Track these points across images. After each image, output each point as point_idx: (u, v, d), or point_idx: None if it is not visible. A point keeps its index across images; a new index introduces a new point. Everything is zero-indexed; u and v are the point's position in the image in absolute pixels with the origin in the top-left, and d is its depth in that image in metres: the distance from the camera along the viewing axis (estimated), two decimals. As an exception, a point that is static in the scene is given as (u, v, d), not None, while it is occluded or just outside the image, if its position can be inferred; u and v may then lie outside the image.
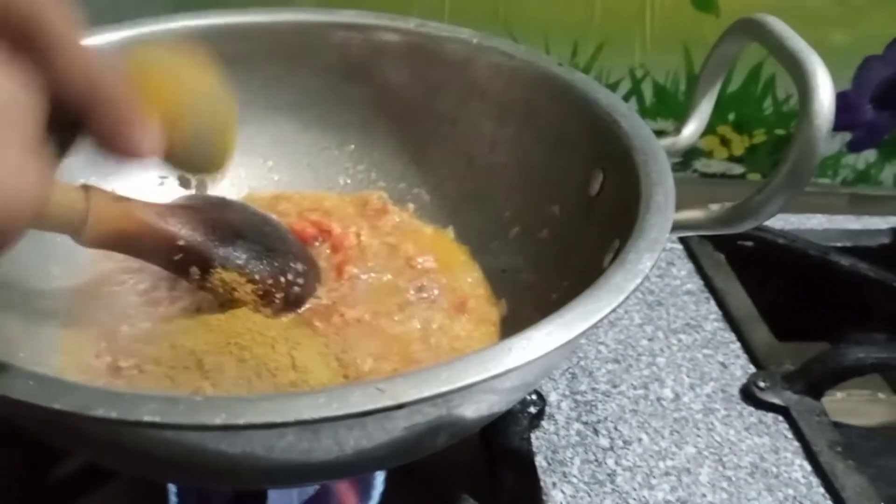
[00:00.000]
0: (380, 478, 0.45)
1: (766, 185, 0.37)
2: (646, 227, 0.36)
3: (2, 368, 0.26)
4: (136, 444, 0.29)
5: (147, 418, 0.24)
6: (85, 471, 0.44)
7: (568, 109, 0.50)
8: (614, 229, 0.40)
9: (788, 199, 0.37)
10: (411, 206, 0.58)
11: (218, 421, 0.24)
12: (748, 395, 0.53)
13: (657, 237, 0.35)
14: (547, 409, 0.50)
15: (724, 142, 0.79)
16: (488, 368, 0.28)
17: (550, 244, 0.49)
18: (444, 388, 0.27)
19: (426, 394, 0.26)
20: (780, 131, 0.79)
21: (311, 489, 0.45)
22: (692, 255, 0.66)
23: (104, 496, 0.43)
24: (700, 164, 0.80)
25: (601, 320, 0.31)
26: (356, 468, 0.37)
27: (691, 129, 0.47)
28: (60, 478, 0.43)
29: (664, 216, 0.37)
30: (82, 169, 0.49)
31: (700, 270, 0.65)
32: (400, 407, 0.26)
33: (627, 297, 0.32)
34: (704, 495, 0.46)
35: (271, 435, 0.27)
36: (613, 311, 0.31)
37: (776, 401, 0.52)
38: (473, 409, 0.33)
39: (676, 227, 0.37)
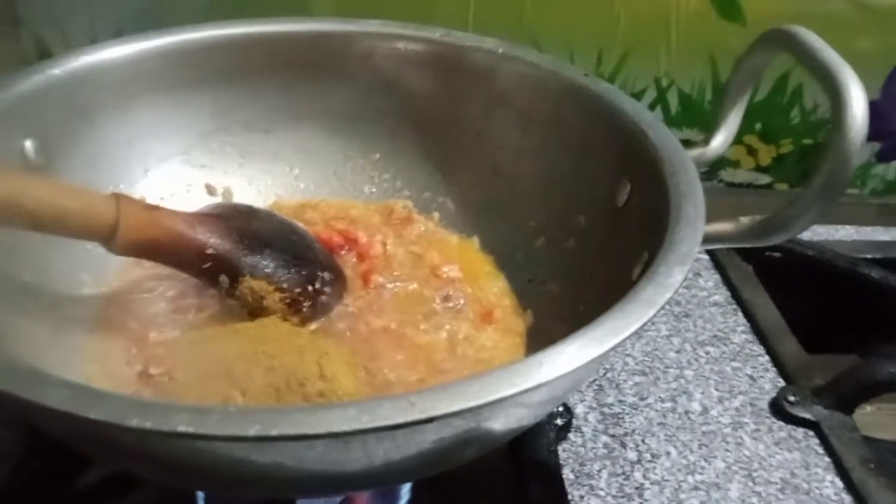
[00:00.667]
0: (406, 488, 0.45)
1: (798, 198, 0.37)
2: (676, 239, 0.36)
3: (35, 376, 0.27)
4: (167, 454, 0.29)
5: (181, 428, 0.24)
6: (110, 479, 0.44)
7: (594, 119, 0.49)
8: (643, 241, 0.40)
9: (821, 213, 0.37)
10: (436, 214, 0.58)
11: (251, 432, 0.24)
12: (778, 409, 0.52)
13: (687, 250, 0.35)
14: (574, 421, 0.50)
15: (751, 151, 0.78)
16: (518, 383, 0.27)
17: (576, 255, 0.49)
18: (474, 403, 0.26)
19: (457, 407, 0.26)
20: (807, 141, 0.78)
21: (337, 498, 0.45)
22: (719, 266, 0.66)
23: (131, 504, 0.44)
24: (726, 174, 0.80)
25: (632, 335, 0.30)
26: (384, 479, 0.36)
27: (720, 141, 0.46)
28: (85, 486, 0.43)
29: (694, 228, 0.36)
30: (109, 176, 0.51)
31: (727, 281, 0.64)
32: (430, 420, 0.26)
33: (658, 311, 0.31)
34: (733, 511, 0.45)
35: (302, 446, 0.27)
36: (644, 325, 0.31)
37: (806, 415, 0.51)
38: (502, 423, 0.33)
39: (706, 239, 0.37)
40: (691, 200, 0.38)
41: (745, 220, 0.39)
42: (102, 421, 0.25)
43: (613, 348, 0.30)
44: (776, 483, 0.47)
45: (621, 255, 0.42)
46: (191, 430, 0.24)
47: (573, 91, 0.51)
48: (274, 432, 0.25)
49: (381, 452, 0.30)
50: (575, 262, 0.48)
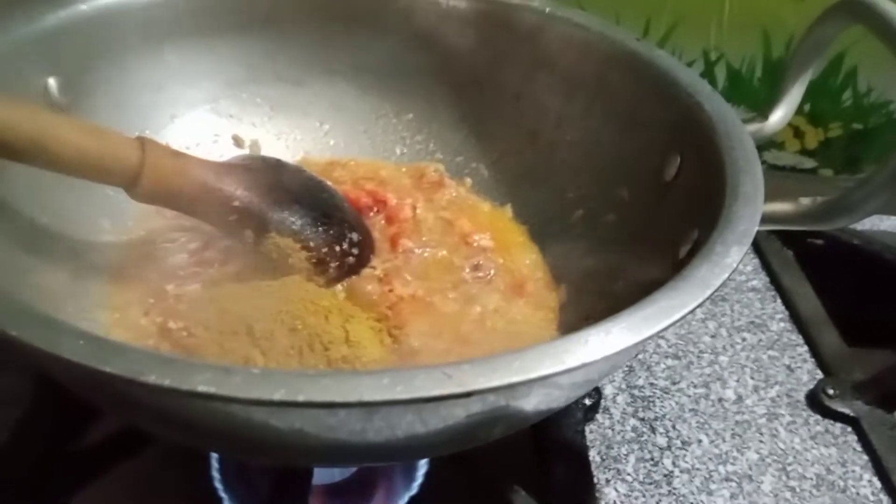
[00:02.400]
0: (423, 462, 0.44)
1: (867, 181, 0.34)
2: (733, 217, 0.33)
3: (50, 325, 0.25)
4: (184, 413, 0.27)
5: (202, 388, 0.23)
6: (120, 434, 0.43)
7: (645, 88, 0.47)
8: (692, 219, 0.38)
9: (890, 199, 0.34)
10: (469, 180, 0.55)
11: (277, 397, 0.23)
12: (815, 402, 0.50)
13: (746, 229, 0.33)
14: (602, 402, 0.48)
15: (798, 133, 0.75)
16: (563, 360, 0.25)
17: (617, 230, 0.46)
18: (515, 379, 0.25)
19: (496, 383, 0.24)
20: (857, 125, 0.75)
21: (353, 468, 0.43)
22: (759, 251, 0.63)
23: (140, 463, 0.42)
24: (770, 156, 0.77)
25: (685, 317, 0.28)
26: (405, 454, 0.35)
27: (778, 116, 0.44)
28: (93, 441, 0.42)
29: (754, 207, 0.34)
30: (135, 121, 0.49)
31: (767, 267, 0.62)
32: (468, 395, 0.24)
33: (714, 293, 0.29)
34: (766, 505, 0.43)
35: (325, 413, 0.26)
36: (699, 306, 0.29)
37: (845, 410, 0.49)
38: (535, 403, 0.31)
39: (763, 219, 0.34)
40: (750, 177, 0.36)
41: (805, 202, 0.37)
42: (119, 375, 0.23)
43: (665, 329, 0.28)
44: (811, 479, 0.45)
45: (667, 231, 0.40)
46: (212, 390, 0.23)
47: (623, 56, 0.48)
48: (300, 398, 0.23)
49: (405, 425, 0.28)
50: (615, 238, 0.46)
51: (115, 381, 0.23)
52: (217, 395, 0.23)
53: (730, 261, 0.31)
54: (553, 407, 0.35)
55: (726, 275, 0.30)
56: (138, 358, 0.24)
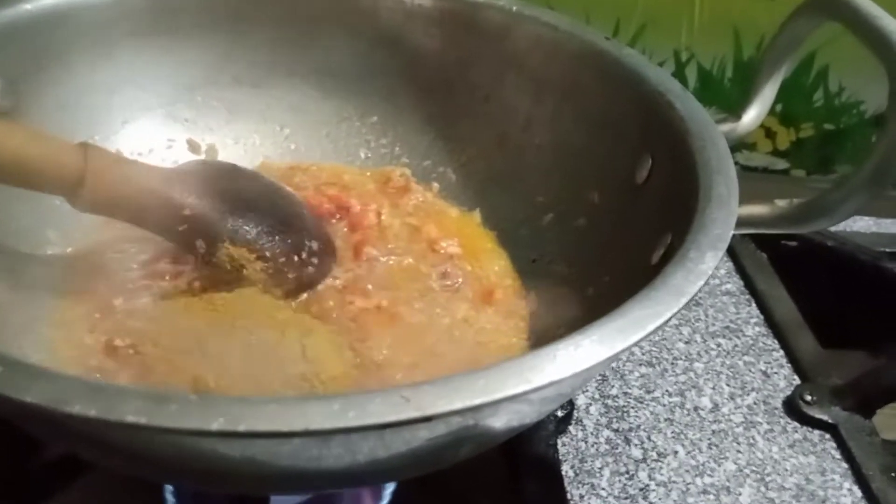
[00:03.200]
0: (389, 485, 0.42)
1: (845, 182, 0.33)
2: (707, 221, 0.32)
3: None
4: (123, 443, 0.25)
5: (131, 419, 0.21)
6: (71, 459, 0.40)
7: (614, 88, 0.45)
8: (665, 222, 0.36)
9: (868, 200, 0.33)
10: (436, 185, 0.54)
11: (215, 427, 0.21)
12: (793, 408, 0.49)
13: (721, 233, 0.31)
14: (575, 413, 0.46)
15: (770, 134, 0.74)
16: (530, 379, 0.24)
17: (588, 234, 0.45)
18: (478, 400, 0.23)
19: (458, 405, 0.22)
20: (829, 126, 0.74)
21: (314, 491, 0.41)
22: (732, 254, 0.62)
23: (91, 487, 0.40)
24: (742, 157, 0.76)
25: (660, 328, 0.27)
26: (367, 479, 0.33)
27: (751, 116, 0.42)
28: (43, 464, 0.39)
29: (728, 210, 0.33)
30: (84, 126, 0.47)
31: (740, 270, 0.61)
32: (427, 420, 0.22)
33: (689, 301, 0.28)
34: (745, 518, 0.42)
35: (275, 442, 0.24)
36: (674, 316, 0.27)
37: (824, 417, 0.48)
38: (504, 421, 0.29)
39: (739, 223, 0.33)
40: (723, 179, 0.35)
41: (781, 204, 0.35)
42: (40, 405, 0.21)
43: (639, 342, 0.26)
44: (790, 489, 0.44)
45: (639, 236, 0.39)
46: (142, 420, 0.21)
47: (592, 56, 0.47)
48: (241, 427, 0.21)
49: (366, 449, 0.26)
50: (586, 242, 0.45)
51: (37, 411, 0.21)
52: (148, 425, 0.21)
53: (705, 267, 0.29)
54: (525, 423, 0.33)
55: (701, 282, 0.29)
56: (62, 385, 0.21)
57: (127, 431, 0.22)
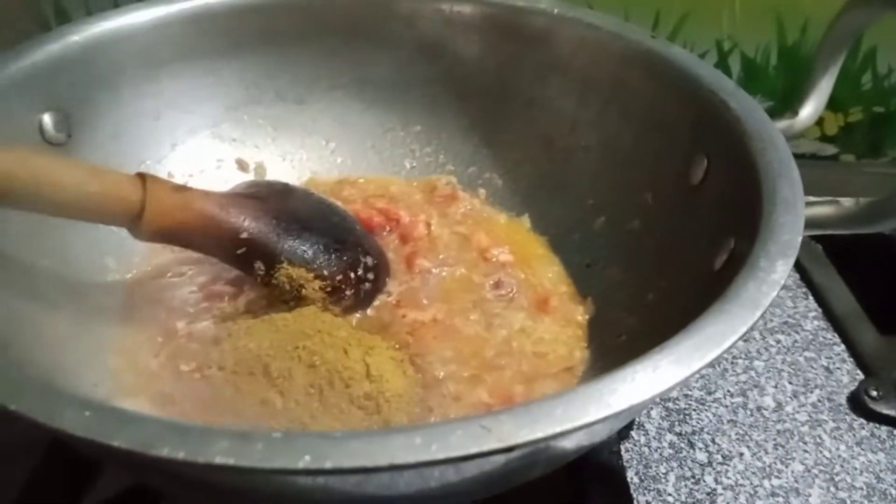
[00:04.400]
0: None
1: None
2: (774, 227, 0.31)
3: (51, 395, 0.23)
4: (202, 481, 0.25)
5: (219, 460, 0.21)
6: (135, 491, 0.41)
7: (663, 87, 0.45)
8: (727, 226, 0.36)
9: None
10: (482, 192, 0.53)
11: (301, 465, 0.21)
12: (858, 404, 0.47)
13: (790, 239, 0.31)
14: (636, 418, 0.46)
15: (817, 120, 0.72)
16: (610, 404, 0.23)
17: (643, 237, 0.44)
18: (559, 428, 0.23)
19: (539, 434, 0.22)
20: (879, 109, 0.72)
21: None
22: (786, 246, 0.61)
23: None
24: (789, 144, 0.74)
25: (735, 343, 0.26)
26: (438, 502, 0.33)
27: (809, 111, 0.42)
28: (107, 497, 0.40)
29: (795, 214, 0.32)
30: (135, 151, 0.47)
31: (796, 262, 0.59)
32: (508, 450, 0.22)
33: (763, 314, 0.27)
34: (817, 521, 0.41)
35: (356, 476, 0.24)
36: (749, 331, 0.26)
37: (891, 412, 0.47)
38: (576, 442, 0.29)
39: (805, 225, 0.32)
40: (787, 181, 0.34)
41: (847, 203, 0.35)
42: (128, 450, 0.21)
43: (716, 359, 0.25)
44: (861, 488, 0.43)
45: (698, 239, 0.38)
46: (231, 462, 0.21)
47: (638, 55, 0.46)
48: (328, 465, 0.21)
49: (439, 475, 0.26)
50: (641, 245, 0.44)
51: (125, 455, 0.22)
52: (237, 466, 0.21)
53: (776, 277, 0.29)
54: (594, 442, 0.33)
55: (774, 293, 0.28)
56: (148, 428, 0.22)
57: (214, 471, 0.22)
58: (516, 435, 0.22)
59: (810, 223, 0.34)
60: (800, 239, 0.31)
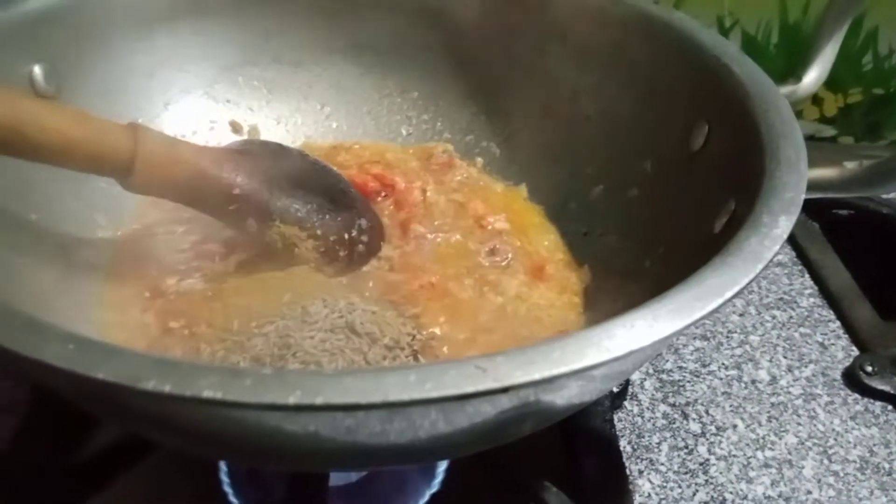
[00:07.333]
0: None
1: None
2: (777, 185, 0.31)
3: (35, 328, 0.22)
4: (188, 421, 0.25)
5: (207, 394, 0.20)
6: (120, 443, 0.40)
7: (664, 54, 0.44)
8: (727, 189, 0.35)
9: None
10: (479, 160, 0.53)
11: (292, 400, 0.20)
12: (853, 380, 0.47)
13: (793, 197, 0.30)
14: (630, 388, 0.45)
15: (816, 100, 0.72)
16: (608, 348, 0.23)
17: (641, 204, 0.44)
18: (556, 371, 0.22)
19: (535, 376, 0.22)
20: (878, 90, 0.72)
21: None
22: (783, 224, 0.60)
23: (144, 471, 0.40)
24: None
25: (737, 294, 0.26)
26: (427, 455, 0.32)
27: (813, 77, 0.41)
28: (93, 450, 0.39)
29: (798, 173, 0.31)
30: (127, 109, 0.46)
31: (792, 240, 0.59)
32: (505, 391, 0.21)
33: (765, 267, 0.27)
34: (810, 492, 0.41)
35: (343, 415, 0.23)
36: (752, 282, 0.26)
37: (885, 388, 0.47)
38: (567, 397, 0.28)
39: (807, 187, 0.32)
40: (790, 142, 0.33)
41: (850, 166, 0.34)
42: (113, 382, 0.21)
43: (717, 309, 0.25)
44: (854, 461, 0.43)
45: (698, 204, 0.38)
46: (219, 395, 0.20)
47: (639, 21, 0.45)
48: (318, 400, 0.20)
49: (429, 425, 0.26)
50: (639, 213, 0.43)
51: (110, 389, 0.21)
52: (225, 400, 0.20)
53: (779, 231, 0.28)
54: (585, 401, 0.32)
55: (777, 246, 0.28)
56: (134, 362, 0.21)
57: (200, 407, 0.21)
58: (511, 375, 0.21)
59: (812, 186, 0.34)
60: (802, 197, 0.30)
